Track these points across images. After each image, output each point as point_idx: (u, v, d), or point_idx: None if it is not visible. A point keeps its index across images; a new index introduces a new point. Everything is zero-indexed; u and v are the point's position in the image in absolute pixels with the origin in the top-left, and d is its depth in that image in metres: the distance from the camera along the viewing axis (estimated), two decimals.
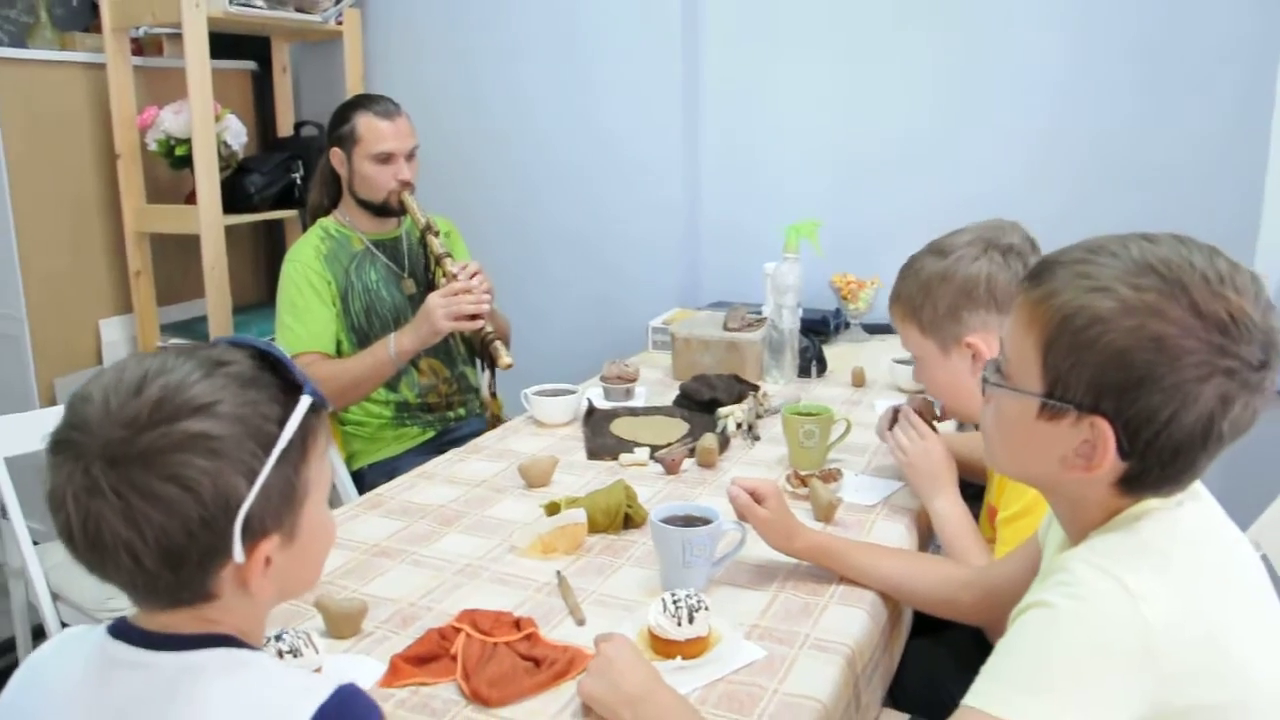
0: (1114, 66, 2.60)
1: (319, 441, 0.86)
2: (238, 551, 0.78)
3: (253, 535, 0.79)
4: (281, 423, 0.81)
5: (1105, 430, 0.87)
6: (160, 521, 0.76)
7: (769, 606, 1.32)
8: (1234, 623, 0.86)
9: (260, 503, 0.79)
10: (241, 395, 0.80)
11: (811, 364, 2.45)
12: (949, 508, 1.56)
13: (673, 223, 3.14)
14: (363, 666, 1.18)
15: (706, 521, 1.35)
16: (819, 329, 2.72)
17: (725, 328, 2.47)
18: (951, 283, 1.52)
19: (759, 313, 2.58)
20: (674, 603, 1.18)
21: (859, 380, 2.38)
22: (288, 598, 0.96)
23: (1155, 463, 0.87)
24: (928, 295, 1.54)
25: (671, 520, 1.36)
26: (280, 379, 0.84)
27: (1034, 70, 2.69)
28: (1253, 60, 2.46)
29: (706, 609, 1.19)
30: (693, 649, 1.17)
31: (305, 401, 0.83)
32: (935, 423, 1.69)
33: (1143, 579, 0.83)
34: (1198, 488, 0.96)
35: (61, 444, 0.78)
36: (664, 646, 1.17)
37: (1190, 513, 0.91)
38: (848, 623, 1.29)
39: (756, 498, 1.39)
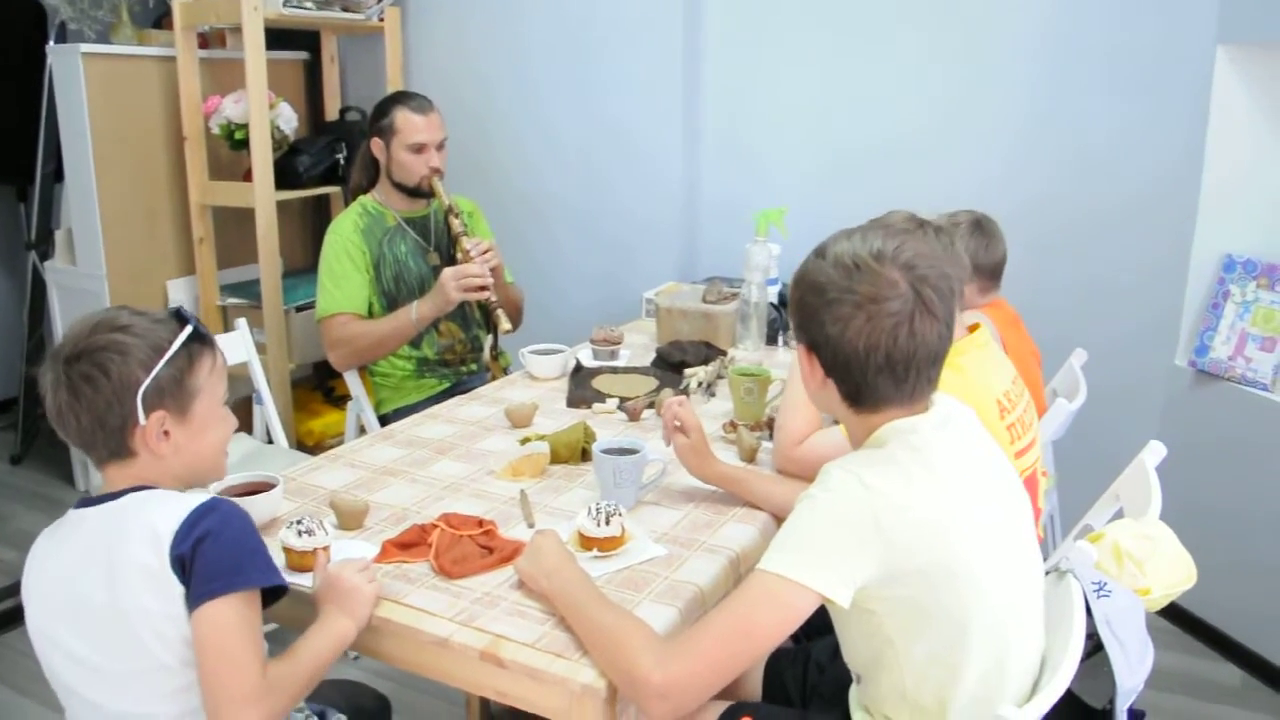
0: (1086, 69, 2.86)
1: (204, 361, 1.32)
2: (140, 415, 1.24)
3: (149, 406, 1.25)
4: (172, 342, 1.27)
5: (807, 353, 1.28)
6: (90, 395, 1.23)
7: (680, 521, 1.68)
8: (954, 512, 1.20)
9: (153, 386, 1.25)
10: (150, 325, 1.27)
11: (779, 334, 2.79)
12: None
13: (672, 205, 3.45)
14: (361, 548, 1.55)
15: (635, 452, 1.72)
16: None
17: (704, 300, 2.81)
18: None
19: (739, 288, 2.92)
20: (596, 510, 1.54)
21: None
22: (196, 477, 1.37)
23: (840, 377, 1.27)
24: None
25: (609, 451, 1.73)
26: (182, 323, 1.30)
27: (1014, 70, 2.95)
28: (1194, 64, 2.70)
29: (620, 516, 1.55)
30: (607, 545, 1.52)
31: (188, 328, 1.29)
32: None
33: (876, 475, 1.19)
34: (952, 419, 1.29)
35: (48, 356, 1.26)
36: (586, 542, 1.53)
37: (927, 438, 1.25)
38: (739, 534, 1.64)
39: (683, 430, 1.74)
